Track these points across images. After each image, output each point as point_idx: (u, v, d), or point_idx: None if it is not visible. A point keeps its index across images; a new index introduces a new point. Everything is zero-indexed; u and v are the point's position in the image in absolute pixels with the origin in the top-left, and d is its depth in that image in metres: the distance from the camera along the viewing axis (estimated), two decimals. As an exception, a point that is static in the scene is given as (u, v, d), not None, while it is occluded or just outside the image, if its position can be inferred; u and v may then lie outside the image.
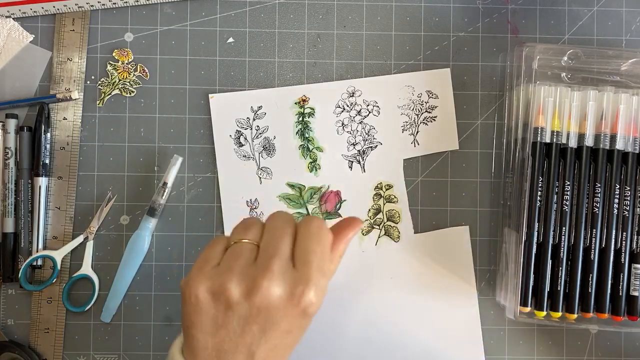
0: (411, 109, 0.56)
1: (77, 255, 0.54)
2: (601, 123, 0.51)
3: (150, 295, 0.55)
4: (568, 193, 0.51)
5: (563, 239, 0.51)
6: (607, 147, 0.51)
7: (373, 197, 0.56)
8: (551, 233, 0.51)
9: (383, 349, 0.55)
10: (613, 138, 0.51)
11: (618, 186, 0.51)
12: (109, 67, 0.55)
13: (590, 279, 0.51)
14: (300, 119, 0.55)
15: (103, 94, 0.55)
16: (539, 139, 0.51)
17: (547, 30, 0.57)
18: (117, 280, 0.54)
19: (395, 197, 0.56)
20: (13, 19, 0.54)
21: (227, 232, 0.52)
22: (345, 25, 0.56)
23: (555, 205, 0.51)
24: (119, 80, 0.55)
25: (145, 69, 0.55)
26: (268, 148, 0.55)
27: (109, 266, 0.55)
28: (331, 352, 0.55)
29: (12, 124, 0.53)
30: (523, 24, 0.57)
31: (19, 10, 0.54)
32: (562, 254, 0.51)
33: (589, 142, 0.51)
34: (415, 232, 0.56)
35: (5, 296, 0.54)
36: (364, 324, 0.55)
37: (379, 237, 0.56)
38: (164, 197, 0.54)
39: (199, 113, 0.55)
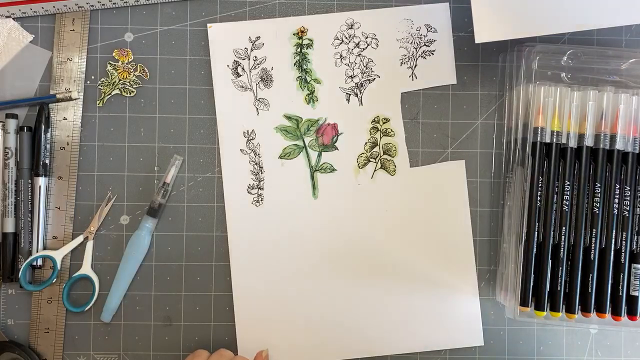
0: (410, 42, 0.56)
1: (77, 255, 0.54)
2: (601, 123, 0.51)
3: (150, 295, 0.55)
4: (568, 193, 0.51)
5: (563, 239, 0.51)
6: (607, 147, 0.51)
7: (370, 130, 0.56)
8: (551, 233, 0.51)
9: (376, 274, 0.55)
10: (613, 138, 0.51)
11: (618, 186, 0.51)
12: (109, 67, 0.55)
13: (590, 279, 0.51)
14: (299, 50, 0.55)
15: (103, 94, 0.55)
16: (539, 139, 0.51)
17: (547, 30, 0.57)
18: (117, 280, 0.54)
19: (392, 130, 0.56)
20: (13, 19, 0.54)
21: (225, 169, 0.55)
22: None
23: (555, 205, 0.51)
24: (119, 80, 0.55)
25: (145, 69, 0.55)
26: (266, 79, 0.55)
27: (109, 266, 0.55)
28: (325, 274, 0.55)
29: (12, 124, 0.53)
30: (523, 24, 0.57)
31: (19, 10, 0.54)
32: (562, 254, 0.51)
33: (588, 142, 0.51)
34: (411, 166, 0.56)
35: (5, 296, 0.54)
36: (358, 254, 0.55)
37: (374, 171, 0.56)
38: (164, 197, 0.54)
39: (199, 113, 0.55)
